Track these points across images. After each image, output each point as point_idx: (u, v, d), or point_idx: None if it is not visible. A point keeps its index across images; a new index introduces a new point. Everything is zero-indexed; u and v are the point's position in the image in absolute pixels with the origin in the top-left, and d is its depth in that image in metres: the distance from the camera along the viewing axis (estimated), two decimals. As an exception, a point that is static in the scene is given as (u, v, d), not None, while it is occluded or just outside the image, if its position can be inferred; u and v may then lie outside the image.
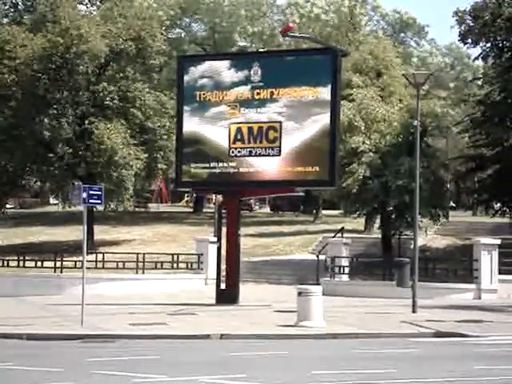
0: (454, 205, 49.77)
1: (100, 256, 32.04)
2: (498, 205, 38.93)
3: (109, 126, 37.02)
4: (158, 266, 32.35)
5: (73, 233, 40.14)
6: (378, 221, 37.26)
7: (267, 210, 61.45)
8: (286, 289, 29.85)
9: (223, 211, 27.69)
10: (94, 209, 37.03)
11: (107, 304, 24.98)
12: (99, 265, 31.19)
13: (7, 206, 46.23)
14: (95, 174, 37.80)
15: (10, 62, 37.74)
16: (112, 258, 32.09)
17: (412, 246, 27.42)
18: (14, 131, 38.06)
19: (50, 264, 31.33)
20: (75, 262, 30.29)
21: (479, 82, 43.33)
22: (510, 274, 28.82)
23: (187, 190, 35.87)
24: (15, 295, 28.36)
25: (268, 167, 25.57)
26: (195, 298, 27.69)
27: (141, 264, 31.72)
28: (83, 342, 17.83)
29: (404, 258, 29.69)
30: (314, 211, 50.57)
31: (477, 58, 39.94)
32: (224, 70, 26.43)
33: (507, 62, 36.25)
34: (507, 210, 37.77)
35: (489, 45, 36.46)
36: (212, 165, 26.17)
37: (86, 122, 37.91)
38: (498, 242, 29.19)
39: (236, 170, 25.89)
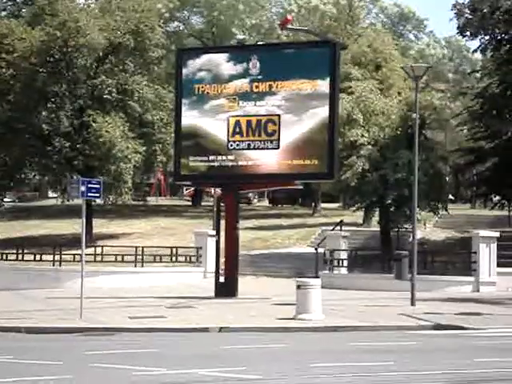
0: (452, 198, 49.80)
1: (99, 249, 32.04)
2: (497, 197, 38.95)
3: (107, 119, 36.97)
4: (157, 259, 32.36)
5: (71, 226, 40.13)
6: (376, 214, 37.28)
7: (266, 203, 61.45)
8: (284, 282, 29.86)
9: (222, 204, 27.68)
10: (93, 202, 37.00)
11: (106, 297, 24.99)
12: (98, 258, 31.17)
13: (6, 199, 46.20)
14: (94, 168, 37.76)
15: (8, 56, 37.67)
16: (111, 252, 32.08)
17: (411, 239, 27.43)
18: (12, 124, 38.01)
19: (49, 257, 31.32)
20: (74, 255, 30.28)
21: (478, 75, 43.32)
22: (508, 267, 28.83)
23: (186, 183, 35.87)
24: (14, 288, 28.36)
25: (267, 160, 25.55)
26: (194, 291, 27.71)
27: (140, 257, 31.72)
28: (82, 336, 17.84)
29: (403, 250, 29.68)
30: (313, 204, 50.57)
31: (475, 51, 39.94)
32: (222, 62, 26.39)
33: (506, 55, 36.22)
34: (506, 202, 37.81)
35: (487, 37, 36.43)
36: (211, 158, 26.14)
37: (85, 115, 37.87)
38: (497, 234, 29.20)
39: (235, 164, 25.87)
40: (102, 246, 32.85)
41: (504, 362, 13.29)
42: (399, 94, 36.20)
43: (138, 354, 14.56)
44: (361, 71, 36.01)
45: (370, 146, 34.06)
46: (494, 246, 28.66)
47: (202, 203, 55.66)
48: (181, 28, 57.31)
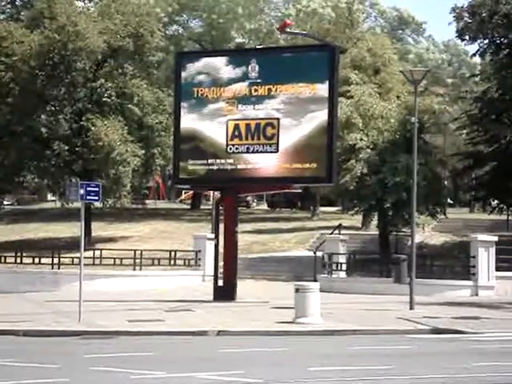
0: (451, 202, 49.81)
1: (97, 252, 32.00)
2: (496, 202, 38.93)
3: (106, 122, 36.96)
4: (156, 262, 32.33)
5: (70, 229, 40.09)
6: (375, 218, 37.28)
7: (264, 206, 61.44)
8: (283, 285, 29.84)
9: (221, 208, 27.67)
10: (92, 205, 36.98)
11: (104, 300, 24.96)
12: (96, 261, 31.14)
13: (4, 202, 46.18)
14: (92, 171, 37.75)
15: (7, 59, 37.65)
16: (109, 255, 32.05)
17: (409, 243, 27.44)
18: (11, 128, 38.00)
19: (48, 260, 31.29)
20: (72, 258, 30.26)
21: (477, 79, 43.38)
22: (507, 271, 28.86)
23: (185, 187, 35.91)
24: (12, 291, 28.32)
25: (265, 164, 25.55)
26: (192, 294, 27.69)
27: (138, 260, 31.70)
28: (81, 339, 17.81)
29: (401, 254, 29.69)
30: (312, 208, 50.57)
31: (474, 55, 39.94)
32: (221, 66, 26.40)
33: (505, 59, 36.24)
34: (504, 206, 37.79)
35: (486, 41, 36.44)
36: (209, 161, 26.14)
37: (84, 118, 37.85)
38: (495, 238, 29.21)
39: (233, 167, 25.87)
40: (101, 250, 32.83)
41: (503, 366, 13.28)
42: (398, 97, 36.22)
43: (136, 358, 14.54)
44: (360, 75, 36.03)
45: (368, 150, 34.07)
46: (492, 250, 28.67)
47: (201, 207, 55.63)
48: (180, 31, 57.32)
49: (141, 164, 38.45)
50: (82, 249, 20.69)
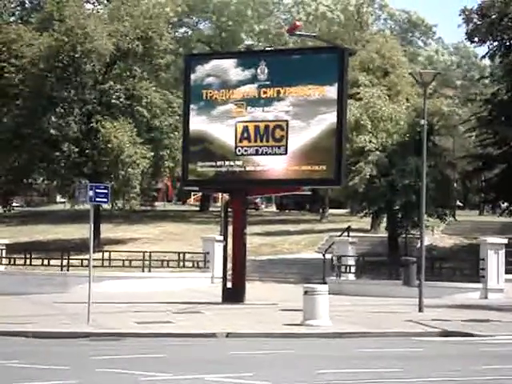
0: (460, 204, 49.70)
1: (106, 254, 32.05)
2: (505, 204, 38.83)
3: (115, 124, 37.02)
4: (165, 264, 32.34)
5: (79, 231, 40.14)
6: (384, 220, 37.19)
7: (273, 208, 61.41)
8: (292, 288, 29.81)
9: (229, 210, 27.67)
10: (101, 207, 37.03)
11: (113, 302, 24.97)
12: (105, 263, 31.18)
13: (14, 204, 46.26)
14: (102, 173, 37.78)
15: (16, 61, 37.76)
16: (118, 257, 32.09)
17: (418, 246, 27.37)
18: (20, 130, 38.07)
19: (57, 262, 31.35)
20: (81, 260, 30.28)
21: (486, 81, 43.25)
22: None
23: (194, 189, 35.94)
24: (21, 293, 28.37)
25: (274, 166, 25.52)
26: (201, 296, 27.69)
27: (147, 262, 31.72)
28: (89, 340, 17.83)
29: (411, 257, 29.63)
30: (321, 210, 50.52)
31: (484, 57, 39.87)
32: (231, 68, 26.40)
33: (514, 61, 36.15)
34: (514, 209, 37.66)
35: (496, 43, 36.36)
36: (218, 163, 26.13)
37: (93, 120, 37.93)
38: (505, 241, 29.11)
39: (242, 169, 25.86)
40: (110, 251, 32.86)
41: (512, 369, 13.24)
42: (407, 100, 36.17)
43: (144, 359, 14.54)
44: (369, 77, 36.00)
45: (377, 152, 34.02)
46: (502, 253, 28.58)
47: (210, 209, 55.64)
48: (189, 33, 57.39)
49: (150, 166, 38.49)
50: (91, 250, 20.71)
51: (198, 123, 26.44)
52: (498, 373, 12.92)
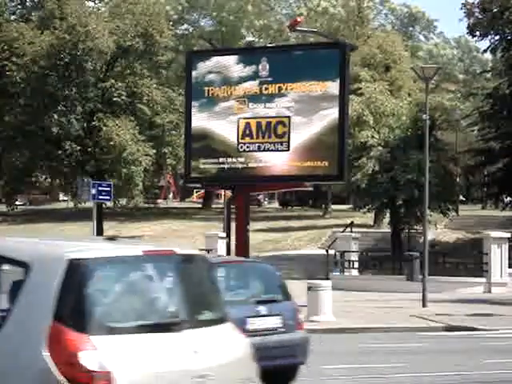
0: (463, 199, 49.68)
1: (109, 252, 32.03)
2: (508, 198, 38.82)
3: (117, 122, 37.06)
4: (168, 261, 32.32)
5: (83, 229, 40.16)
6: (387, 215, 37.20)
7: (276, 205, 61.45)
8: (295, 284, 29.67)
9: (232, 206, 27.68)
10: (104, 205, 37.08)
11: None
12: (109, 261, 31.17)
13: (17, 202, 46.33)
14: (104, 171, 37.85)
15: (18, 60, 37.80)
16: (121, 254, 32.07)
17: (422, 240, 27.37)
18: (23, 128, 38.14)
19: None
20: (85, 258, 30.26)
21: (488, 75, 43.21)
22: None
23: (197, 186, 35.97)
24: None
25: (277, 162, 25.49)
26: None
27: (150, 260, 31.70)
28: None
29: (414, 252, 29.63)
30: (323, 206, 50.53)
31: (485, 51, 39.87)
32: (232, 65, 26.35)
33: (516, 55, 36.13)
34: (517, 203, 37.69)
35: (497, 37, 36.34)
36: (221, 160, 26.10)
37: (95, 118, 37.97)
38: (508, 235, 29.09)
39: (245, 166, 25.83)
40: (113, 249, 32.84)
41: (516, 363, 13.25)
42: (409, 95, 36.14)
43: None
44: (370, 72, 35.97)
45: (380, 148, 34.00)
46: (505, 247, 28.56)
47: (213, 205, 55.68)
48: (190, 30, 57.40)
49: (152, 163, 38.54)
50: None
51: (200, 120, 26.41)
52: (502, 366, 12.92)
